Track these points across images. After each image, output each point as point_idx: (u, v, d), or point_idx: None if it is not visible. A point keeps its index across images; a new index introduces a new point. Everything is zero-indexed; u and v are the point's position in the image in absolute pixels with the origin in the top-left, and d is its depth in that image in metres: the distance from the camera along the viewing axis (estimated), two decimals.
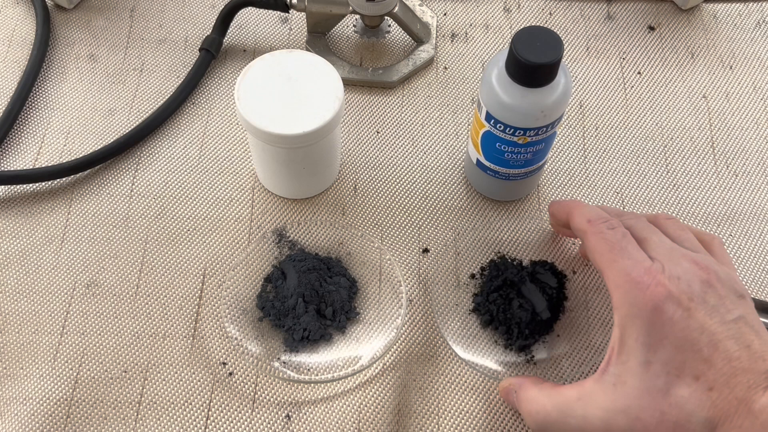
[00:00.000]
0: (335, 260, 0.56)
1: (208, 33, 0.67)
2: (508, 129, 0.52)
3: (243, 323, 0.54)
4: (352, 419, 0.51)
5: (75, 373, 0.52)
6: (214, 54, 0.66)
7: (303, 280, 0.54)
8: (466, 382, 0.53)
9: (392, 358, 0.53)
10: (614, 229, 0.43)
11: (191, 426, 0.51)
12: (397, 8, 0.65)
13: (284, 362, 0.52)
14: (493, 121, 0.53)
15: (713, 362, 0.38)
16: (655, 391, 0.39)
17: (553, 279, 0.54)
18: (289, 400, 0.52)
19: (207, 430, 0.51)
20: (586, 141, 0.64)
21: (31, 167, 0.61)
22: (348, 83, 0.66)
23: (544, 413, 0.43)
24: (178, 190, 0.60)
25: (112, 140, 0.62)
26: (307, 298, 0.53)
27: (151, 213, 0.59)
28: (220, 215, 0.59)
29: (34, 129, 0.63)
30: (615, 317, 0.41)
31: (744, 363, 0.38)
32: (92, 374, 0.52)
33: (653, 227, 0.44)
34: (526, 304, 0.53)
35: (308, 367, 0.52)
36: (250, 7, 0.67)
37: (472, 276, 0.55)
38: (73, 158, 0.61)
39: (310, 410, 0.51)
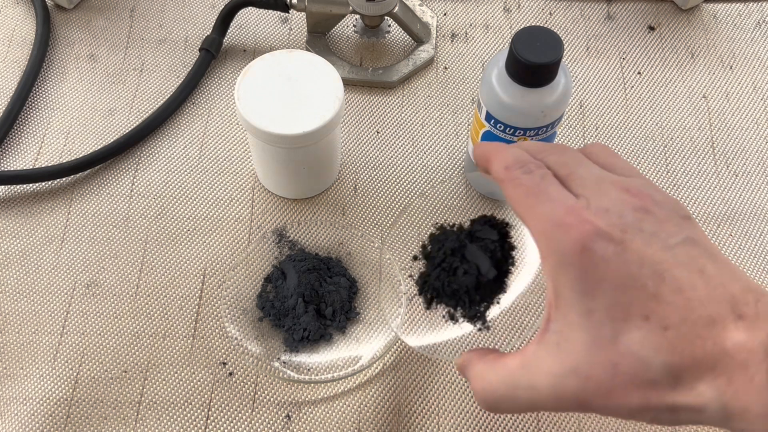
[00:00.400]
0: (335, 260, 0.56)
1: (208, 33, 0.67)
2: (508, 129, 0.52)
3: (243, 323, 0.54)
4: (352, 419, 0.51)
5: (75, 373, 0.52)
6: (214, 54, 0.66)
7: (303, 280, 0.54)
8: (466, 382, 0.53)
9: (392, 358, 0.53)
10: (531, 173, 0.37)
11: (191, 426, 0.51)
12: (397, 8, 0.65)
13: (284, 362, 0.52)
14: (493, 121, 0.53)
15: (662, 296, 0.32)
16: (603, 341, 0.33)
17: (492, 232, 0.47)
18: (289, 400, 0.52)
19: (207, 430, 0.51)
20: (586, 141, 0.64)
21: (31, 167, 0.61)
22: (348, 83, 0.66)
23: (491, 390, 0.37)
24: (178, 190, 0.60)
25: (112, 140, 0.62)
26: (307, 298, 0.53)
27: (151, 213, 0.59)
28: (220, 215, 0.59)
29: (34, 129, 0.63)
30: (544, 269, 0.35)
31: (700, 292, 0.32)
32: (92, 374, 0.52)
33: (580, 158, 0.38)
34: (470, 268, 0.46)
35: (308, 367, 0.52)
36: (250, 7, 0.67)
37: (415, 258, 0.49)
38: (73, 158, 0.61)
39: (310, 410, 0.51)
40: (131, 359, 0.53)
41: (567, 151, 0.39)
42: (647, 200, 0.35)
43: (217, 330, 0.54)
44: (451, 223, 0.48)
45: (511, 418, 0.51)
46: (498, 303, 0.46)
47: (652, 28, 0.70)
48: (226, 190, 0.60)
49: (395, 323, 0.52)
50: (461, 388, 0.52)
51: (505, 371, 0.37)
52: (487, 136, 0.54)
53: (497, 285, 0.47)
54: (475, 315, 0.46)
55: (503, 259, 0.47)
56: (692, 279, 0.32)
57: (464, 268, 0.45)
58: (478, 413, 0.52)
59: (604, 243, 0.33)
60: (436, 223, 0.49)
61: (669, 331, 0.32)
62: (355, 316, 0.54)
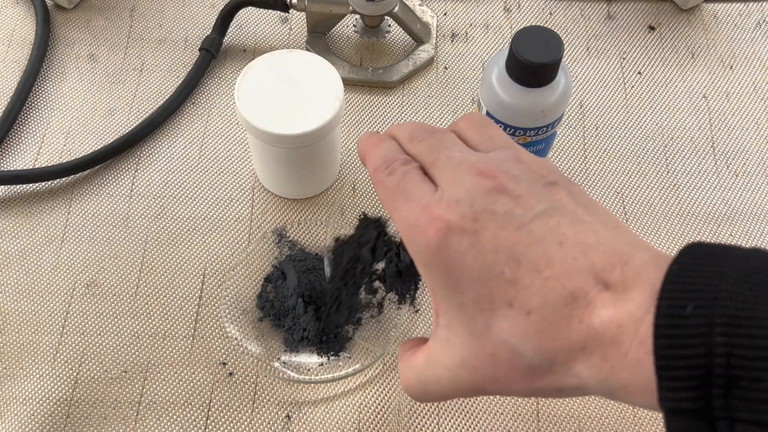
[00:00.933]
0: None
1: (208, 33, 0.67)
2: (509, 129, 0.52)
3: (243, 323, 0.54)
4: (352, 419, 0.51)
5: (75, 373, 0.52)
6: (214, 54, 0.66)
7: (303, 280, 0.54)
8: None
9: (392, 358, 0.53)
10: (394, 173, 0.35)
11: (191, 426, 0.51)
12: (397, 8, 0.65)
13: (284, 362, 0.52)
14: (493, 120, 0.53)
15: (520, 280, 0.31)
16: (479, 333, 0.32)
17: (371, 233, 0.45)
18: (289, 400, 0.52)
19: (207, 430, 0.51)
20: (586, 141, 0.64)
21: (31, 167, 0.61)
22: (348, 83, 0.66)
23: (409, 386, 0.37)
24: (178, 190, 0.60)
25: (112, 140, 0.62)
26: (306, 298, 0.53)
27: (151, 213, 0.59)
28: (220, 215, 0.59)
29: (34, 129, 0.63)
30: (419, 269, 0.35)
31: (557, 267, 0.30)
32: (92, 374, 0.52)
33: (446, 141, 0.37)
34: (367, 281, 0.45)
35: (308, 367, 0.52)
36: (250, 7, 0.67)
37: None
38: (73, 158, 0.61)
39: (310, 410, 0.51)
40: (131, 359, 0.53)
41: (436, 134, 0.37)
42: (502, 178, 0.33)
43: (217, 330, 0.54)
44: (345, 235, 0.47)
45: (511, 419, 0.51)
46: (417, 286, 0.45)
47: (652, 28, 0.70)
48: (226, 190, 0.60)
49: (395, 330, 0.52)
50: None
51: (416, 367, 0.36)
52: None
53: (408, 274, 0.45)
54: (402, 301, 0.45)
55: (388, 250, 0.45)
56: (549, 254, 0.31)
57: (364, 282, 0.45)
58: (478, 413, 0.52)
59: (457, 237, 0.32)
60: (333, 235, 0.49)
61: (532, 316, 0.31)
62: (356, 316, 0.54)
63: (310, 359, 0.52)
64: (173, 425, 0.51)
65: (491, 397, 0.52)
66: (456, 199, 0.33)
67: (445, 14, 0.71)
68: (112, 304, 0.55)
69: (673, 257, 0.29)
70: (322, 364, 0.52)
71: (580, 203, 0.33)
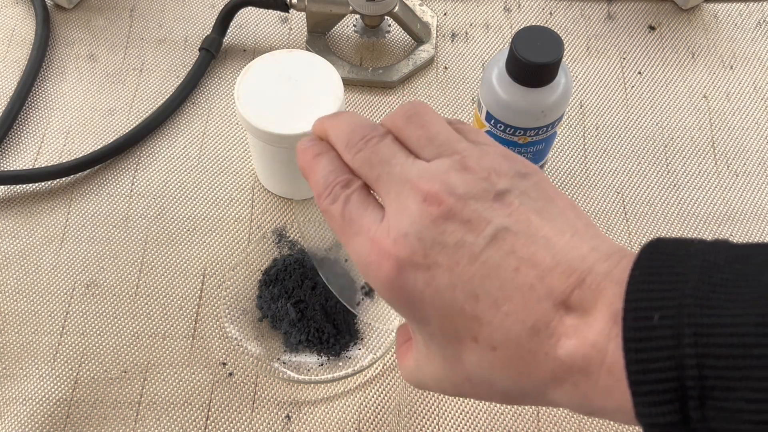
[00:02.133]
0: (335, 260, 0.56)
1: (208, 33, 0.67)
2: (509, 129, 0.52)
3: (243, 323, 0.54)
4: (352, 419, 0.51)
5: (75, 374, 0.52)
6: (214, 54, 0.66)
7: (296, 284, 0.54)
8: None
9: (392, 358, 0.53)
10: (336, 200, 0.33)
11: (191, 426, 0.51)
12: (397, 8, 0.65)
13: (284, 362, 0.52)
14: (493, 120, 0.53)
15: (481, 317, 0.30)
16: (451, 360, 0.32)
17: None
18: (289, 400, 0.52)
19: (207, 430, 0.51)
20: (586, 141, 0.64)
21: (30, 167, 0.61)
22: (348, 83, 0.66)
23: (407, 377, 0.37)
24: (177, 190, 0.60)
25: (111, 140, 0.61)
26: (300, 305, 0.53)
27: (151, 213, 0.59)
28: (220, 215, 0.59)
29: (33, 129, 0.63)
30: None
31: (516, 301, 0.29)
32: (92, 374, 0.52)
33: (387, 146, 0.34)
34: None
35: (308, 367, 0.52)
36: (250, 7, 0.67)
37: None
38: (72, 158, 0.61)
39: (310, 410, 0.51)
40: (131, 359, 0.53)
41: (371, 141, 0.34)
42: (447, 201, 0.30)
43: (217, 330, 0.54)
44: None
45: (511, 419, 0.51)
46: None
47: (652, 28, 0.70)
48: (226, 190, 0.60)
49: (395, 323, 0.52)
50: None
51: (408, 368, 0.36)
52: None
53: None
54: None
55: None
56: (506, 286, 0.29)
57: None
58: (478, 413, 0.52)
59: (411, 274, 0.31)
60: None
61: (497, 351, 0.30)
62: (355, 317, 0.54)
63: (310, 359, 0.52)
64: (173, 425, 0.51)
65: None
66: (403, 233, 0.31)
67: (445, 14, 0.71)
68: (112, 304, 0.55)
69: (634, 261, 0.28)
70: (322, 364, 0.52)
71: (534, 209, 0.31)
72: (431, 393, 0.52)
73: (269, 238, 0.57)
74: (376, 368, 0.53)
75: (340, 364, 0.52)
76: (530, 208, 0.31)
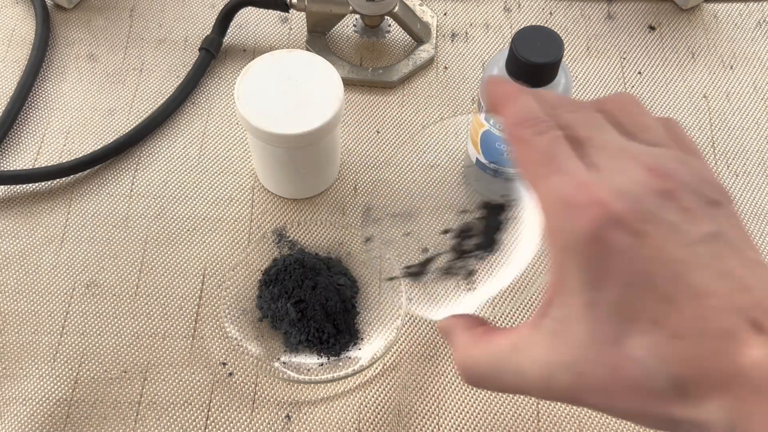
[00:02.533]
0: (335, 260, 0.56)
1: (208, 33, 0.67)
2: None
3: (243, 323, 0.54)
4: (352, 419, 0.51)
5: (75, 374, 0.52)
6: (214, 54, 0.66)
7: (296, 284, 0.54)
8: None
9: (392, 358, 0.53)
10: (542, 134, 0.32)
11: (191, 426, 0.51)
12: (397, 8, 0.65)
13: (284, 362, 0.52)
14: (493, 121, 0.53)
15: (676, 301, 0.29)
16: (605, 339, 0.30)
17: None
18: (289, 400, 0.52)
19: (207, 430, 0.51)
20: None
21: (30, 167, 0.61)
22: (348, 83, 0.66)
23: (475, 367, 0.34)
24: (177, 190, 0.60)
25: (111, 140, 0.61)
26: (300, 305, 0.53)
27: (151, 213, 0.59)
28: (220, 215, 0.59)
29: (33, 129, 0.63)
30: (549, 248, 0.31)
31: (720, 299, 0.28)
32: (92, 374, 0.52)
33: (599, 119, 0.33)
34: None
35: (308, 367, 0.52)
36: (250, 7, 0.67)
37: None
38: (72, 158, 0.61)
39: (310, 410, 0.51)
40: (131, 359, 0.53)
41: (585, 107, 0.33)
42: (672, 182, 0.29)
43: (217, 330, 0.54)
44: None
45: (511, 419, 0.51)
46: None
47: (652, 28, 0.70)
48: (226, 190, 0.60)
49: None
50: (461, 388, 0.52)
51: (493, 350, 0.33)
52: (487, 136, 0.54)
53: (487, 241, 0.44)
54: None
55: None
56: (712, 284, 0.29)
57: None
58: (478, 413, 0.52)
59: (619, 233, 0.29)
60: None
61: (679, 342, 0.29)
62: (356, 316, 0.54)
63: (310, 359, 0.52)
64: (173, 425, 0.51)
65: (491, 397, 0.52)
66: (623, 188, 0.29)
67: (445, 14, 0.71)
68: (112, 304, 0.55)
69: None
70: (322, 364, 0.52)
71: (738, 233, 0.31)
72: (431, 393, 0.52)
73: (269, 238, 0.57)
74: (376, 368, 0.53)
75: (340, 364, 0.52)
76: (734, 229, 0.31)
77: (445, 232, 0.45)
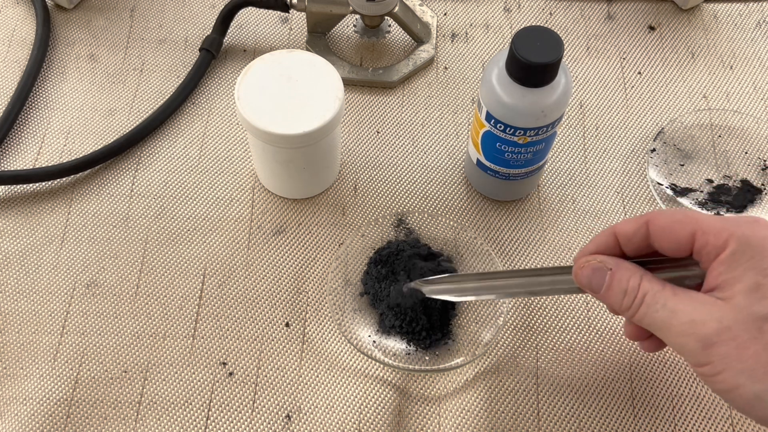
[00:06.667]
0: (447, 257, 0.56)
1: (208, 33, 0.67)
2: (509, 129, 0.52)
3: (344, 294, 0.55)
4: (352, 419, 0.51)
5: (75, 373, 0.52)
6: (214, 54, 0.66)
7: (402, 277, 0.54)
8: (466, 382, 0.53)
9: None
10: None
11: (191, 426, 0.51)
12: (397, 8, 0.65)
13: (374, 341, 0.53)
14: (493, 121, 0.53)
15: None
16: (761, 313, 0.35)
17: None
18: (289, 400, 0.52)
19: (207, 430, 0.51)
20: (586, 141, 0.64)
21: (31, 167, 0.61)
22: (348, 83, 0.66)
23: (702, 326, 0.38)
24: (178, 190, 0.60)
25: (112, 140, 0.62)
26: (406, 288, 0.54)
27: (151, 213, 0.59)
28: (220, 215, 0.59)
29: (34, 129, 0.63)
30: (720, 258, 0.38)
31: None
32: (92, 374, 0.52)
33: None
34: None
35: (395, 352, 0.53)
36: (250, 7, 0.67)
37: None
38: (73, 158, 0.61)
39: (310, 410, 0.51)
40: (131, 359, 0.53)
41: None
42: None
43: (217, 330, 0.54)
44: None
45: (511, 418, 0.51)
46: None
47: (652, 28, 0.70)
48: (226, 190, 0.60)
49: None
50: (462, 388, 0.52)
51: (716, 308, 0.37)
52: (487, 136, 0.54)
53: None
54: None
55: None
56: None
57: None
58: (478, 413, 0.52)
59: None
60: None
61: None
62: (453, 318, 0.54)
63: (399, 345, 0.53)
64: (173, 425, 0.51)
65: (490, 396, 0.52)
66: None
67: (445, 14, 0.71)
68: (112, 304, 0.55)
69: None
70: (409, 354, 0.53)
71: None
72: (431, 393, 0.52)
73: (388, 220, 0.57)
74: (377, 368, 0.53)
75: (427, 358, 0.52)
76: None
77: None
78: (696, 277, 0.40)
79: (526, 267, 0.57)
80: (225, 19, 0.67)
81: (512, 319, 0.55)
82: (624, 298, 0.40)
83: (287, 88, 0.54)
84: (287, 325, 0.55)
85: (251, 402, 0.52)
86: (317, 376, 0.53)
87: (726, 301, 0.37)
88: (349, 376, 0.53)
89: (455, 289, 0.51)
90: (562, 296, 0.56)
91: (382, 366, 0.53)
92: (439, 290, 0.51)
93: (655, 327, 0.39)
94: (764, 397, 0.35)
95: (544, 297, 0.56)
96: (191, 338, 0.54)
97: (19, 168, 0.61)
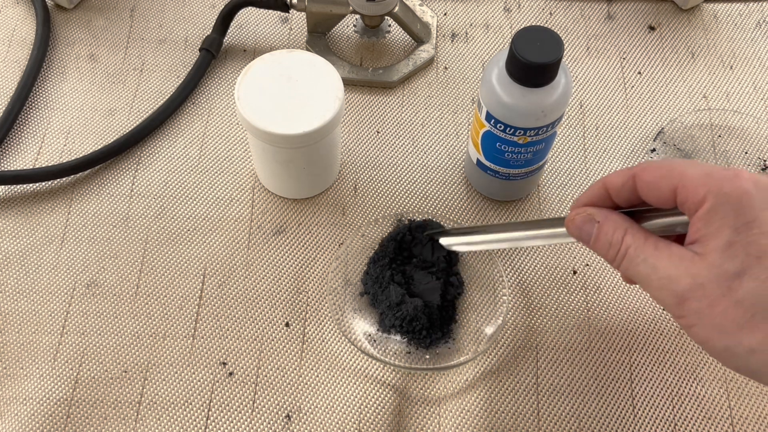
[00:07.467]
0: (452, 258, 0.56)
1: (208, 33, 0.67)
2: (509, 129, 0.52)
3: (344, 293, 0.55)
4: (352, 419, 0.51)
5: (75, 373, 0.52)
6: (214, 54, 0.66)
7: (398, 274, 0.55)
8: (466, 382, 0.53)
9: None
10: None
11: (191, 426, 0.51)
12: (397, 8, 0.65)
13: (374, 339, 0.53)
14: (493, 121, 0.53)
15: None
16: (731, 271, 0.36)
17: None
18: (289, 400, 0.52)
19: (207, 430, 0.51)
20: (586, 141, 0.64)
21: (31, 167, 0.61)
22: (348, 83, 0.66)
23: (676, 281, 0.39)
24: (178, 190, 0.60)
25: (112, 140, 0.62)
26: (402, 286, 0.54)
27: (151, 213, 0.59)
28: (220, 215, 0.59)
29: (34, 129, 0.63)
30: (698, 213, 0.38)
31: None
32: (92, 374, 0.52)
33: None
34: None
35: (394, 351, 0.52)
36: (250, 7, 0.67)
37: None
38: (73, 158, 0.61)
39: (310, 410, 0.51)
40: (131, 359, 0.53)
41: None
42: None
43: (217, 330, 0.54)
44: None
45: (511, 418, 0.51)
46: None
47: (652, 28, 0.70)
48: (226, 190, 0.60)
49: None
50: (462, 388, 0.52)
51: (692, 264, 0.38)
52: (488, 136, 0.54)
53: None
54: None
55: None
56: None
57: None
58: (478, 413, 0.52)
59: (764, 192, 0.37)
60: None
61: None
62: (453, 319, 0.54)
63: (398, 345, 0.53)
64: (173, 425, 0.51)
65: (490, 396, 0.52)
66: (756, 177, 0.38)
67: (445, 14, 0.71)
68: (112, 304, 0.55)
69: None
70: (409, 353, 0.53)
71: None
72: (431, 393, 0.52)
73: (388, 220, 0.57)
74: (380, 368, 0.53)
75: (427, 357, 0.52)
76: None
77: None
78: (687, 224, 0.41)
79: (526, 265, 0.57)
80: (225, 19, 0.67)
81: (512, 319, 0.55)
82: (609, 250, 0.42)
83: (287, 88, 0.54)
84: (287, 325, 0.55)
85: (251, 402, 0.52)
86: (317, 376, 0.53)
87: (701, 257, 0.38)
88: (349, 376, 0.53)
89: (465, 241, 0.53)
90: (562, 297, 0.56)
91: (382, 366, 0.53)
92: (453, 243, 0.54)
93: (638, 279, 0.40)
94: (734, 350, 0.36)
95: (544, 297, 0.56)
96: (191, 338, 0.54)
97: (19, 168, 0.61)
